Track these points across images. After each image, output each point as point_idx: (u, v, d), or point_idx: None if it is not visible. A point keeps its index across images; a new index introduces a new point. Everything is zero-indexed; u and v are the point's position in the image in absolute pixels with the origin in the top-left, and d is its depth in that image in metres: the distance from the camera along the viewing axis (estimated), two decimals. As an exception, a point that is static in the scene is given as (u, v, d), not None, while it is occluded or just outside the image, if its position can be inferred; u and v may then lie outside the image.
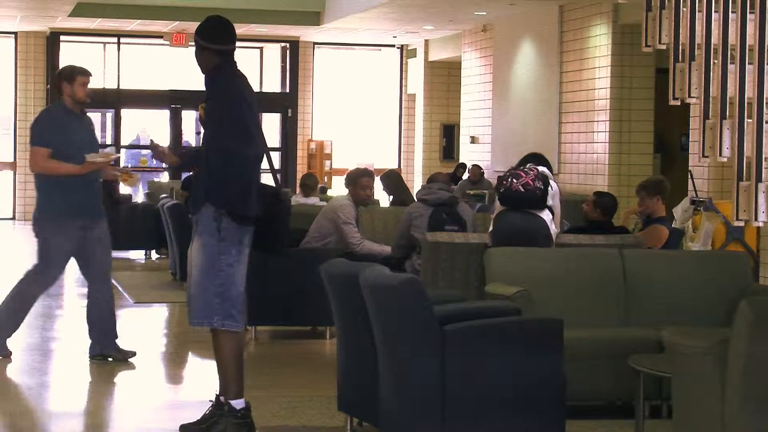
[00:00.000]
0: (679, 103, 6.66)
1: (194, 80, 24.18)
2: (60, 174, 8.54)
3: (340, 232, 10.00)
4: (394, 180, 12.40)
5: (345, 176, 10.54)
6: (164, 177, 20.91)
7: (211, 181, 6.42)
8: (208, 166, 6.40)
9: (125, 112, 23.78)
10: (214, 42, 6.56)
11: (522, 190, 8.10)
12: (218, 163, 6.36)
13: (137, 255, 17.27)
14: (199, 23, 6.67)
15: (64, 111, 8.72)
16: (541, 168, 8.31)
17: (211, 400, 6.68)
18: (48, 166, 8.56)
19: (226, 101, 6.44)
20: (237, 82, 6.55)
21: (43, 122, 8.78)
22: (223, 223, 6.44)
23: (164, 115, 24.06)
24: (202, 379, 8.97)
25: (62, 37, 23.15)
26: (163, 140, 23.97)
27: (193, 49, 6.62)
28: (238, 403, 6.54)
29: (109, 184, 18.37)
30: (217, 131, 6.42)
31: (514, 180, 8.14)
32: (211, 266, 6.49)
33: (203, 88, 6.63)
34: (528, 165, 8.32)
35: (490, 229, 8.36)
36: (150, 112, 24.71)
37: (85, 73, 8.69)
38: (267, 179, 6.92)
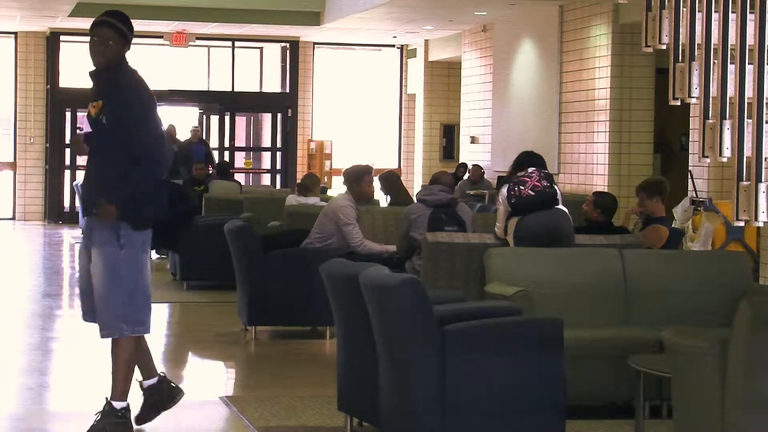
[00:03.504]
0: (679, 103, 6.66)
1: (194, 80, 24.23)
2: None
3: (342, 233, 9.99)
4: (392, 181, 12.39)
5: (344, 174, 10.48)
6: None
7: (119, 189, 6.15)
8: (113, 172, 6.13)
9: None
10: (131, 33, 6.43)
11: (532, 193, 8.19)
12: (135, 172, 6.12)
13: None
14: (106, 13, 6.48)
15: None
16: (530, 169, 8.38)
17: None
18: None
19: (139, 101, 6.19)
20: (141, 78, 6.34)
21: None
22: (122, 230, 6.21)
23: (164, 115, 24.04)
24: (202, 379, 8.98)
25: (62, 37, 23.15)
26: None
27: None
28: (119, 404, 6.49)
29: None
30: (134, 134, 6.12)
31: (521, 187, 8.22)
32: (115, 276, 6.23)
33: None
34: (529, 169, 8.36)
35: (502, 233, 8.39)
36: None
37: None
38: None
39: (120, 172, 6.15)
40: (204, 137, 23.66)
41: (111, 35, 6.31)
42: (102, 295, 6.26)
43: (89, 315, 6.49)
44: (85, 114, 6.36)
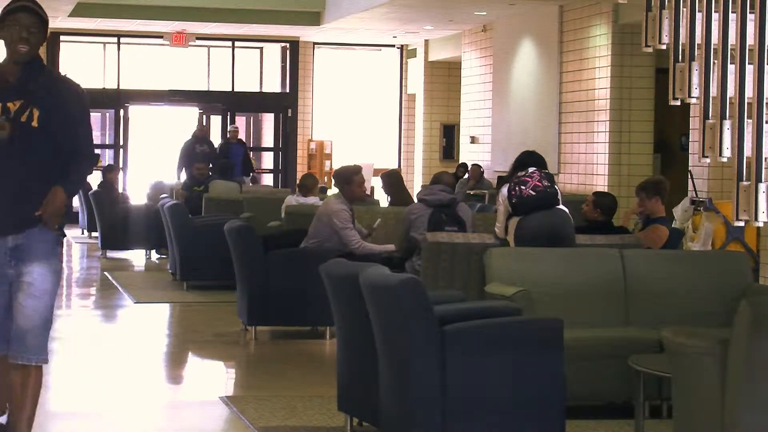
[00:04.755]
0: (679, 103, 6.66)
1: (193, 80, 24.24)
2: None
3: (339, 237, 9.99)
4: (393, 180, 12.39)
5: (334, 177, 10.48)
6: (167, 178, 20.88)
7: (69, 188, 5.39)
8: (50, 174, 5.32)
9: (124, 112, 23.79)
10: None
11: (533, 193, 8.21)
12: (78, 173, 5.40)
13: (137, 255, 17.27)
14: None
15: None
16: (531, 169, 8.38)
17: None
18: None
19: (80, 100, 5.42)
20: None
21: None
22: (59, 244, 5.51)
23: (165, 114, 24.06)
24: (202, 379, 8.98)
25: (62, 37, 23.14)
26: (164, 140, 24.00)
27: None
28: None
29: (109, 182, 18.43)
30: (84, 136, 5.41)
31: (522, 187, 8.24)
32: (55, 295, 5.49)
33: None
34: (530, 169, 8.37)
35: (502, 233, 8.39)
36: (150, 112, 24.70)
37: None
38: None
39: (55, 174, 5.33)
40: (205, 137, 23.70)
41: (34, 22, 5.31)
42: (43, 317, 5.39)
43: (2, 345, 5.41)
44: None
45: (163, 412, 7.54)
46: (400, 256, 9.63)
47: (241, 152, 21.77)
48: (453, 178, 10.38)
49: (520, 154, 8.83)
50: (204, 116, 24.32)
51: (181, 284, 13.37)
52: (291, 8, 21.31)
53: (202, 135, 21.37)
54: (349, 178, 10.19)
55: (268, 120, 25.44)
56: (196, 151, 20.79)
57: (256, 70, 25.41)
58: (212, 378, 9.06)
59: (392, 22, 20.50)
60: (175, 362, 9.54)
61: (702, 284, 7.72)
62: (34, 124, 5.25)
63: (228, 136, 22.49)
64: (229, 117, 24.30)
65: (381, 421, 6.20)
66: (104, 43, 23.27)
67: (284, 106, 24.56)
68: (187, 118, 24.05)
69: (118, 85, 23.39)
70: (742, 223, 5.93)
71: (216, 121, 24.29)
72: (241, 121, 25.83)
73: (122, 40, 23.26)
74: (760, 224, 5.82)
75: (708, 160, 6.26)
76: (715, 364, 5.23)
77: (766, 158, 5.88)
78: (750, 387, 5.11)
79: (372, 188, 20.32)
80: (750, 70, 5.97)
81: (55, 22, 21.80)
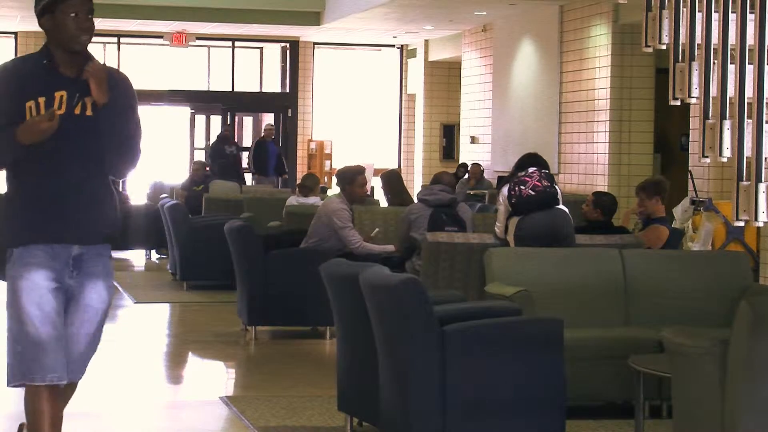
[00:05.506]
0: (679, 103, 6.65)
1: (194, 80, 24.23)
2: None
3: (339, 236, 9.99)
4: (393, 180, 12.39)
5: (336, 177, 10.49)
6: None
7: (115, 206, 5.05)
8: (108, 180, 4.99)
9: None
10: None
11: (533, 193, 8.22)
12: (133, 162, 5.01)
13: (137, 255, 17.27)
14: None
15: None
16: (531, 169, 8.39)
17: None
18: None
19: (130, 86, 5.06)
20: None
21: None
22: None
23: (165, 114, 24.05)
24: (202, 379, 8.98)
25: (62, 37, 23.13)
26: (164, 140, 23.99)
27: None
28: None
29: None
30: (137, 124, 5.00)
31: (522, 187, 8.25)
32: (106, 315, 5.07)
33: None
34: (530, 169, 8.38)
35: (502, 233, 8.39)
36: (150, 112, 24.71)
37: None
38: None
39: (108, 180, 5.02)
40: (207, 137, 23.76)
41: (90, 8, 5.15)
42: (96, 340, 5.02)
43: (60, 368, 4.87)
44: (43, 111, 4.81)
45: (163, 412, 7.54)
46: (400, 256, 9.63)
47: (275, 151, 22.02)
48: (453, 178, 10.38)
49: (522, 156, 8.83)
50: (205, 116, 24.33)
51: (181, 284, 13.38)
52: (291, 8, 21.32)
53: (228, 135, 21.56)
54: (353, 179, 10.19)
55: (268, 120, 25.44)
56: (226, 152, 20.99)
57: (256, 70, 25.41)
58: (212, 378, 9.06)
59: (392, 22, 20.50)
60: (175, 362, 9.54)
61: (702, 284, 7.72)
62: (89, 112, 4.86)
63: (263, 134, 22.60)
64: (229, 117, 24.31)
65: (381, 421, 6.20)
66: (104, 43, 23.27)
67: (284, 106, 24.57)
68: (187, 118, 24.05)
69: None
70: (742, 223, 5.93)
71: (216, 121, 24.29)
72: (240, 121, 25.83)
73: (122, 40, 23.27)
74: (760, 224, 5.82)
75: (708, 160, 6.26)
76: (715, 364, 5.23)
77: (766, 158, 5.88)
78: (750, 387, 5.11)
79: (372, 188, 20.32)
80: (750, 70, 5.97)
81: (55, 22, 21.78)
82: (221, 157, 20.83)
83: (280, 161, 22.17)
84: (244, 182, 20.50)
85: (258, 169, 21.90)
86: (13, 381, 4.87)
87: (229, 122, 23.91)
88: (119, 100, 4.90)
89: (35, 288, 4.79)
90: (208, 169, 18.99)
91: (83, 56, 4.99)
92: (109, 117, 4.85)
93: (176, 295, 12.89)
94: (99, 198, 4.91)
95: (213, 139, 23.05)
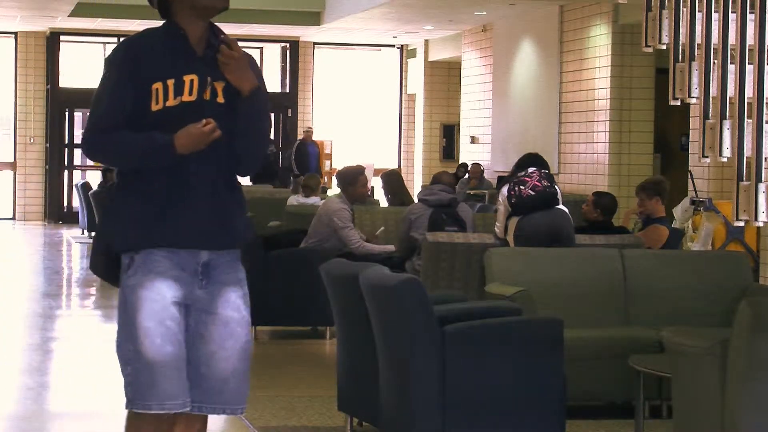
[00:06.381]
0: (679, 103, 6.66)
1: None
2: None
3: (339, 236, 9.99)
4: (393, 180, 12.40)
5: (337, 177, 10.49)
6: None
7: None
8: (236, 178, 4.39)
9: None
10: None
11: (533, 193, 8.21)
12: (264, 147, 4.39)
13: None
14: None
15: None
16: (530, 169, 8.39)
17: None
18: None
19: (254, 62, 4.27)
20: None
21: None
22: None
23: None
24: (202, 379, 8.96)
25: (62, 37, 23.15)
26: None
27: None
28: None
29: (109, 182, 18.42)
30: (267, 128, 4.37)
31: (522, 187, 8.24)
32: (249, 326, 4.53)
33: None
34: (529, 169, 8.38)
35: (502, 233, 8.39)
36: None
37: None
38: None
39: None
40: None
41: None
42: (245, 356, 4.43)
43: (182, 393, 4.27)
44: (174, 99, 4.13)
45: (163, 412, 7.52)
46: (400, 256, 9.63)
47: (316, 152, 22.11)
48: (453, 178, 10.38)
49: (523, 156, 8.83)
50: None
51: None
52: (291, 8, 21.32)
53: (311, 136, 21.91)
54: (354, 179, 10.20)
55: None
56: (309, 152, 21.29)
57: (256, 70, 25.41)
58: (212, 378, 9.04)
59: (392, 22, 20.51)
60: (175, 362, 9.52)
61: (702, 284, 7.72)
62: (219, 99, 4.13)
63: (303, 135, 22.65)
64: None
65: (381, 421, 6.20)
66: (104, 43, 23.26)
67: (284, 106, 24.57)
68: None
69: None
70: (742, 223, 5.93)
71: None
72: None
73: (122, 40, 23.26)
74: (760, 224, 5.82)
75: (708, 160, 6.26)
76: (715, 364, 5.23)
77: (766, 158, 5.88)
78: (750, 387, 5.11)
79: (372, 188, 20.33)
80: (750, 70, 5.97)
81: (55, 22, 21.81)
82: (302, 156, 21.22)
83: (319, 162, 22.38)
84: (281, 183, 20.18)
85: (301, 169, 21.99)
86: (129, 406, 4.17)
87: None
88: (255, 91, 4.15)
89: (159, 299, 4.11)
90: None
91: (212, 30, 4.19)
92: (244, 105, 4.12)
93: (176, 295, 12.87)
94: (229, 197, 4.29)
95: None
